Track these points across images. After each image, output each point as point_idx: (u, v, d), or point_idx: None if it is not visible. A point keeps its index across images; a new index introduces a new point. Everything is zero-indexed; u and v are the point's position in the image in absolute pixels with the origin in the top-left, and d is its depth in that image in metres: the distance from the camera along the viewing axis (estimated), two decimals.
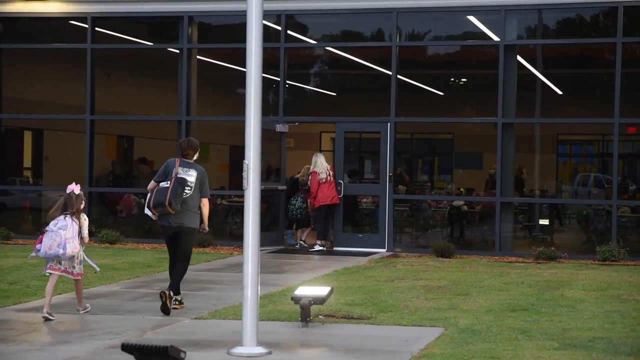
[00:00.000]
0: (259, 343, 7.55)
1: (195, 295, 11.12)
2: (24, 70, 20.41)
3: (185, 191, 9.86)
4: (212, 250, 16.52)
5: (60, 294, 10.92)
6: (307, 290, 9.22)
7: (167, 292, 9.60)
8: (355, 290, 11.28)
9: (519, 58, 16.97)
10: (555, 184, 22.16)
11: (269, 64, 17.28)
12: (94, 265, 9.78)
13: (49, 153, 21.32)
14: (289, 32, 17.51)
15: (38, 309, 9.88)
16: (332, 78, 20.88)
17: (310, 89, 20.26)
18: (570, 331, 8.67)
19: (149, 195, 10.01)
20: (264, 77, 7.77)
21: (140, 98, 22.44)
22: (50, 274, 9.49)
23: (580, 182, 22.73)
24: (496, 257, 15.88)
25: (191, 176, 9.93)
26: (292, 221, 17.59)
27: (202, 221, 10.13)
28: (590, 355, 7.62)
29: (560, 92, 20.11)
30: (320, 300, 9.08)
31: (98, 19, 18.13)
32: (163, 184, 9.91)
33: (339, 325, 9.03)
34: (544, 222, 18.29)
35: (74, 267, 9.53)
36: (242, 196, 7.82)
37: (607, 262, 15.13)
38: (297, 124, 17.94)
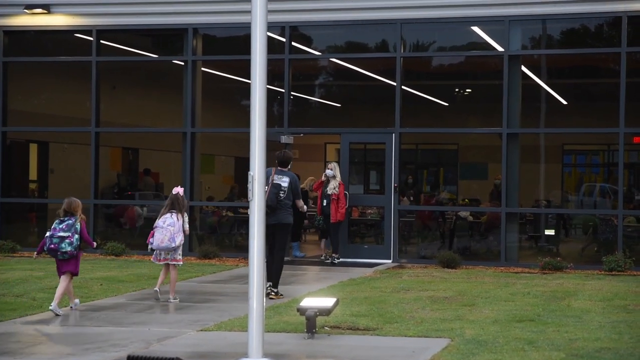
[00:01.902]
0: (265, 354, 7.53)
1: (200, 307, 11.12)
2: (29, 83, 20.47)
3: (280, 195, 11.88)
4: (217, 261, 16.52)
5: (66, 306, 10.93)
6: (312, 302, 9.21)
7: (267, 287, 11.49)
8: (361, 301, 11.27)
9: (523, 68, 16.99)
10: (560, 194, 22.14)
11: (273, 75, 17.31)
12: (180, 258, 11.62)
13: (54, 166, 21.36)
14: (293, 43, 17.55)
15: (44, 322, 9.90)
16: (337, 89, 20.92)
17: (315, 100, 20.29)
18: (576, 342, 8.64)
19: None
20: (268, 89, 7.78)
21: (146, 110, 22.49)
22: (162, 264, 11.52)
23: (585, 192, 22.69)
24: (502, 268, 15.85)
25: (285, 182, 11.95)
26: (324, 231, 17.36)
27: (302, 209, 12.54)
28: None
29: (564, 102, 20.11)
30: (325, 312, 9.07)
31: (103, 32, 18.20)
32: None
33: (345, 337, 9.01)
34: (550, 232, 18.27)
35: (176, 255, 11.48)
36: (247, 208, 7.82)
37: (613, 272, 15.09)
38: (302, 135, 17.96)
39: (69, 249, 10.32)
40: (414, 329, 9.31)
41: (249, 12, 7.60)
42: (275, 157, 12.16)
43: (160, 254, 11.50)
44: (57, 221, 10.45)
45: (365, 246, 17.60)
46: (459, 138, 22.40)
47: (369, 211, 18.66)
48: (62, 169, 21.29)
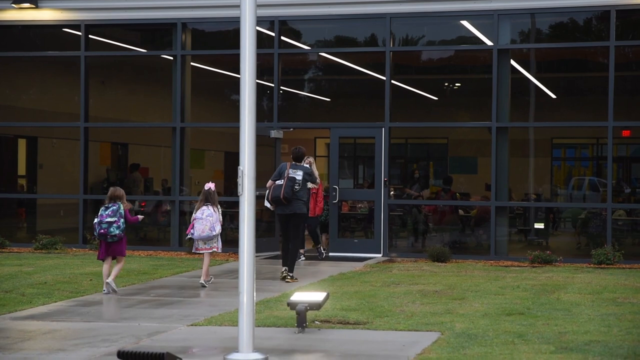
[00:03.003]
0: (256, 349, 7.54)
1: (191, 302, 11.11)
2: (17, 78, 20.39)
3: (295, 187, 12.89)
4: None
5: (56, 301, 10.91)
6: (303, 296, 9.21)
7: (283, 272, 12.93)
8: (351, 296, 11.28)
9: (512, 62, 17.01)
10: (550, 187, 22.21)
11: (262, 70, 17.29)
12: (220, 246, 12.68)
13: (43, 161, 21.29)
14: (282, 38, 17.53)
15: (34, 317, 9.87)
16: (326, 83, 20.90)
17: (304, 95, 20.27)
18: (566, 335, 8.67)
19: (267, 191, 13.10)
20: (258, 83, 7.77)
21: (135, 105, 22.43)
22: (201, 253, 12.63)
23: (574, 186, 22.76)
24: (492, 261, 15.89)
25: (299, 175, 12.97)
26: (324, 225, 17.23)
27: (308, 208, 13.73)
28: (587, 358, 7.63)
29: (554, 96, 20.15)
30: (316, 306, 9.07)
31: (91, 27, 18.13)
32: (278, 182, 12.91)
33: (335, 331, 9.02)
34: (539, 225, 18.31)
35: (213, 244, 12.57)
36: (237, 202, 7.81)
37: (602, 266, 15.15)
38: (291, 129, 17.95)
39: (117, 232, 11.60)
40: (404, 323, 9.33)
41: (238, 6, 7.59)
42: (291, 153, 13.36)
43: (198, 244, 12.61)
44: (102, 208, 11.75)
45: (355, 240, 17.61)
46: (449, 132, 22.43)
47: (360, 205, 18.64)
48: (51, 164, 21.22)
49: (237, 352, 7.51)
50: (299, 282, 12.82)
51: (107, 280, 11.59)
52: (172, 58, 17.92)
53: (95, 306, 10.66)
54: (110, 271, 11.73)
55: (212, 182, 12.78)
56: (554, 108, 20.66)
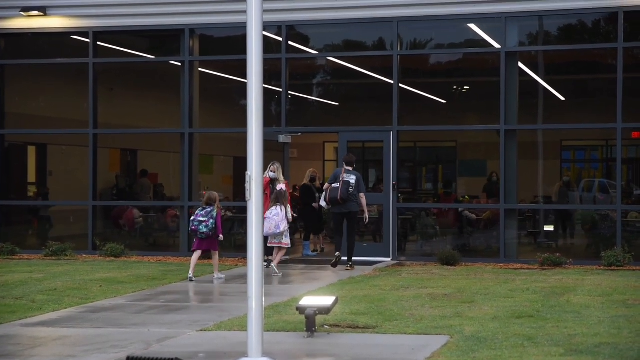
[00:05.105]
0: (265, 354, 7.54)
1: (200, 307, 11.13)
2: (26, 85, 20.46)
3: (350, 189, 14.81)
4: None
5: (66, 308, 10.95)
6: (312, 300, 9.21)
7: (338, 256, 14.96)
8: (361, 300, 11.28)
9: (520, 65, 16.99)
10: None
11: (270, 75, 17.32)
12: (287, 241, 14.55)
13: (53, 168, 21.36)
14: (290, 42, 17.55)
15: (44, 324, 9.91)
16: (334, 88, 20.92)
17: (312, 99, 20.29)
18: (576, 337, 8.65)
19: (325, 192, 15.23)
20: (265, 88, 7.78)
21: (143, 111, 22.49)
22: (272, 247, 14.37)
23: (584, 188, 22.71)
24: (501, 264, 15.87)
25: (352, 179, 14.91)
26: (320, 226, 18.21)
27: (362, 210, 15.09)
28: None
29: (562, 98, 20.13)
30: (325, 310, 9.07)
31: (100, 34, 18.19)
32: (334, 185, 14.86)
33: (345, 335, 9.02)
34: (549, 228, 18.27)
35: (282, 239, 14.43)
36: (246, 207, 7.81)
37: (612, 268, 15.10)
38: (299, 134, 17.95)
39: (204, 230, 13.55)
40: (414, 327, 9.32)
41: (245, 12, 7.60)
42: (343, 160, 15.26)
43: (272, 238, 14.31)
44: (200, 208, 13.77)
45: (365, 244, 17.59)
46: (457, 135, 22.41)
47: (369, 209, 18.57)
48: (61, 171, 21.29)
49: (247, 356, 7.52)
50: (312, 284, 12.83)
51: (215, 276, 13.67)
52: (180, 64, 17.97)
53: (105, 312, 10.69)
54: (197, 262, 13.68)
55: (283, 183, 14.56)
56: (563, 110, 20.63)
